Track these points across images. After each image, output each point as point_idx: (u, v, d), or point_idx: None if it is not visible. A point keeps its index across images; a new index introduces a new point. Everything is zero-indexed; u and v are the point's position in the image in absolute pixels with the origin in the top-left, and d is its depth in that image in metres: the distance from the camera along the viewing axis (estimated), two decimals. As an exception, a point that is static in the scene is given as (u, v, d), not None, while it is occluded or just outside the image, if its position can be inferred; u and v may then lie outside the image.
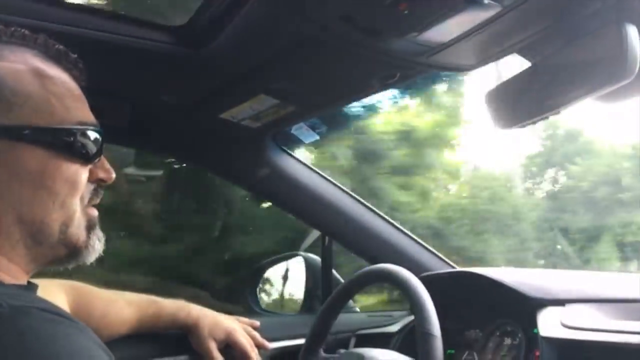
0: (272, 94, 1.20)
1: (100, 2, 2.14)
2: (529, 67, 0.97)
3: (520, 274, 1.38)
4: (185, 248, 3.00)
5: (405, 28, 0.91)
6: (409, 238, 1.62)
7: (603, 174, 4.51)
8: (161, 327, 1.16)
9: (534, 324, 1.12)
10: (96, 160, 0.70)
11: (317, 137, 1.51)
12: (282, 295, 2.28)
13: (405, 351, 1.10)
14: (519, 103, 0.98)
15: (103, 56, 1.01)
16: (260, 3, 0.91)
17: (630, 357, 0.95)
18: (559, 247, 4.31)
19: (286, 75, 1.13)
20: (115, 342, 1.06)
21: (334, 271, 1.62)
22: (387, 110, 3.77)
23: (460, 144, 4.57)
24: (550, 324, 1.09)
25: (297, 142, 1.53)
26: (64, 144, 0.65)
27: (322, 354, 1.21)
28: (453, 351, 1.34)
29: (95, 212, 0.71)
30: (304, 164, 1.52)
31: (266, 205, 3.18)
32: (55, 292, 1.01)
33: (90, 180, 0.69)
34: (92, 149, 0.68)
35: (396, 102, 3.29)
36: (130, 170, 2.36)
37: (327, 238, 1.61)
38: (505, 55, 0.99)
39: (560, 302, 1.14)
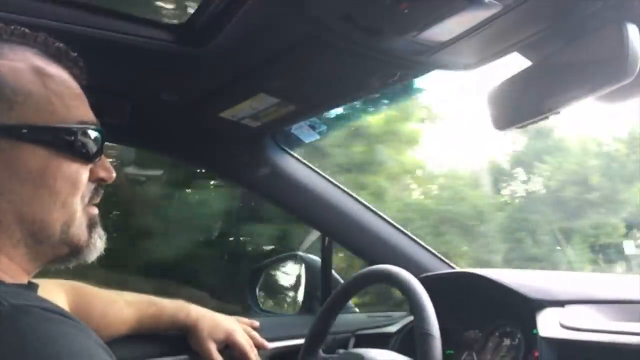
0: (272, 93, 1.20)
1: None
2: (529, 67, 0.98)
3: (519, 275, 1.38)
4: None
5: (405, 27, 0.90)
6: (408, 238, 1.62)
7: (572, 173, 4.41)
8: (161, 327, 1.16)
9: (533, 324, 1.12)
10: (97, 160, 0.70)
11: (318, 137, 1.51)
12: (281, 295, 2.27)
13: (404, 351, 1.10)
14: (519, 103, 0.98)
15: (103, 54, 1.01)
16: (260, 2, 0.91)
17: (629, 357, 0.95)
18: (526, 248, 4.20)
19: (286, 74, 1.13)
20: (114, 343, 1.06)
21: (333, 272, 1.62)
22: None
23: (421, 142, 4.33)
24: (550, 324, 1.09)
25: (297, 141, 1.53)
26: (65, 143, 0.65)
27: (322, 354, 1.21)
28: (452, 351, 1.34)
29: (95, 211, 0.71)
30: (304, 164, 1.52)
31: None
32: (55, 292, 1.01)
33: (90, 179, 0.69)
34: (93, 148, 0.68)
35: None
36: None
37: (326, 238, 1.61)
38: (505, 54, 0.99)
39: (559, 303, 1.15)
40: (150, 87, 1.23)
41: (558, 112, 0.93)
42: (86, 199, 0.69)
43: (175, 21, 1.10)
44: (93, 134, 0.68)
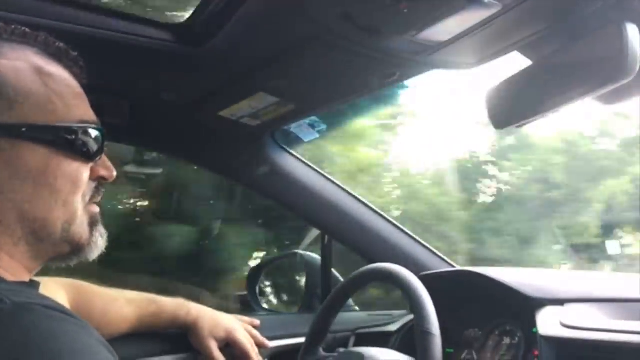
0: (271, 92, 1.20)
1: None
2: (529, 66, 0.98)
3: (519, 273, 1.38)
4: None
5: (405, 26, 0.90)
6: (408, 237, 1.62)
7: (535, 171, 4.26)
8: (161, 325, 1.16)
9: (533, 323, 1.12)
10: (97, 159, 0.70)
11: (317, 136, 1.51)
12: (281, 294, 2.28)
13: (404, 350, 1.11)
14: (518, 102, 0.98)
15: (102, 54, 1.01)
16: (260, 1, 0.92)
17: (628, 356, 0.95)
18: (490, 249, 4.05)
19: (286, 73, 1.13)
20: (115, 341, 1.06)
21: (333, 270, 1.62)
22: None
23: (374, 139, 4.10)
24: (549, 323, 1.09)
25: (296, 140, 1.53)
26: (65, 142, 0.65)
27: (322, 352, 1.21)
28: (452, 350, 1.34)
29: (96, 209, 0.71)
30: (304, 162, 1.52)
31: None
32: (56, 290, 1.01)
33: (91, 178, 0.69)
34: (94, 147, 0.68)
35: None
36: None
37: (326, 237, 1.61)
38: (505, 53, 0.99)
39: (559, 302, 1.15)
40: (149, 87, 1.23)
41: (558, 111, 0.93)
42: (87, 198, 0.69)
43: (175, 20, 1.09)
44: (94, 132, 0.68)
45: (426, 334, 0.98)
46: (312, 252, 1.72)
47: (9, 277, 0.61)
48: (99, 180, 0.71)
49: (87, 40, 0.99)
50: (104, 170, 0.72)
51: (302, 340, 1.24)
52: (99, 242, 0.71)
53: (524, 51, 0.98)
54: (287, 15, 0.94)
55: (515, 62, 1.01)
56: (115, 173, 0.73)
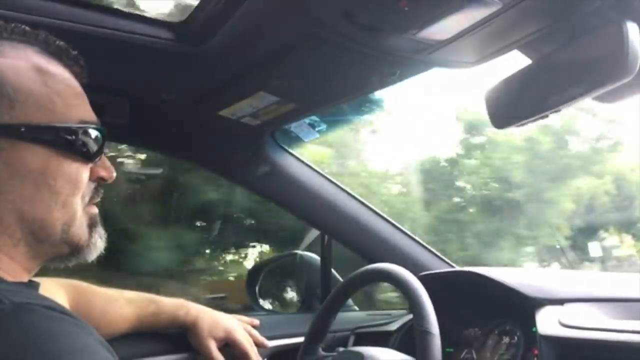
0: (271, 91, 1.20)
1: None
2: (529, 65, 0.97)
3: (519, 273, 1.39)
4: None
5: (405, 25, 0.90)
6: (408, 237, 1.62)
7: (496, 170, 4.17)
8: (161, 325, 1.16)
9: (532, 322, 1.12)
10: (97, 159, 0.70)
11: (317, 135, 1.51)
12: (281, 294, 2.27)
13: (404, 350, 1.10)
14: (518, 101, 0.98)
15: (102, 53, 1.01)
16: (260, 0, 0.91)
17: (628, 355, 0.95)
18: (452, 251, 3.93)
19: (286, 72, 1.13)
20: (114, 341, 1.06)
21: (333, 270, 1.62)
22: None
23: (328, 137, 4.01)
24: (549, 322, 1.09)
25: (297, 140, 1.53)
26: (65, 142, 0.65)
27: (321, 352, 1.21)
28: (452, 349, 1.34)
29: (95, 210, 0.71)
30: (304, 162, 1.52)
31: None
32: (55, 291, 1.01)
33: (91, 178, 0.69)
34: (93, 147, 0.68)
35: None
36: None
37: (326, 237, 1.61)
38: (505, 52, 0.99)
39: (558, 302, 1.15)
40: (149, 86, 1.23)
41: (558, 111, 0.93)
42: (86, 199, 0.69)
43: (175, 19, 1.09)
44: (94, 133, 0.68)
45: (425, 333, 0.98)
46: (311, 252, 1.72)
47: (8, 278, 0.61)
48: (98, 181, 0.71)
49: (87, 39, 0.99)
50: (104, 170, 0.71)
51: (301, 340, 1.24)
52: (98, 244, 0.70)
53: (524, 50, 0.98)
54: (287, 14, 0.93)
55: (515, 61, 1.01)
56: (114, 174, 0.73)
